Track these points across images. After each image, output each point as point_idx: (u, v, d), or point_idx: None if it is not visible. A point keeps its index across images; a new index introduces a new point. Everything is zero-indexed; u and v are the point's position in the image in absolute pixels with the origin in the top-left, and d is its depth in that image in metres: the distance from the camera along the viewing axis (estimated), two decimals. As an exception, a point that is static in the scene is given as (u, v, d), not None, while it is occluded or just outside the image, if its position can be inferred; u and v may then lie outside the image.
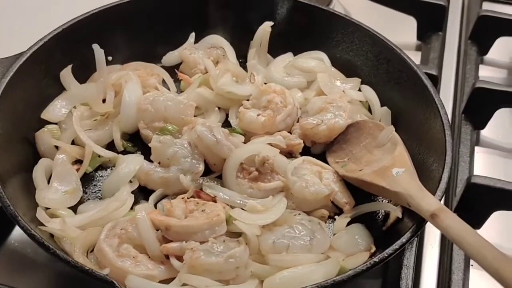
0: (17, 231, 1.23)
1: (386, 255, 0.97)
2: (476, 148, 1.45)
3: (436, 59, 1.64)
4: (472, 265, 1.21)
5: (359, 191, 1.20)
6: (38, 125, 1.23)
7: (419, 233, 1.04)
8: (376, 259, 0.97)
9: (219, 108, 1.33)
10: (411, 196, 1.02)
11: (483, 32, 1.69)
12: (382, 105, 1.33)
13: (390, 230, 1.15)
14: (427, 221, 1.01)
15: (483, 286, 1.18)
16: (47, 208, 1.12)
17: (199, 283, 0.96)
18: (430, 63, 1.61)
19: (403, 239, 1.00)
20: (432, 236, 1.26)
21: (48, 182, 1.16)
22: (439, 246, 1.25)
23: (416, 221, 1.04)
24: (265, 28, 1.41)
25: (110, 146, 1.25)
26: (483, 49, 1.70)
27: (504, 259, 0.87)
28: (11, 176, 1.09)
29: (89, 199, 1.17)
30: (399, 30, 1.66)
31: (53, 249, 0.93)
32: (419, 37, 1.73)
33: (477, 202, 1.24)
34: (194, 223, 1.04)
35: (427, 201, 1.00)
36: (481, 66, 1.68)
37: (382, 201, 1.20)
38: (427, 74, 1.29)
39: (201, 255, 0.99)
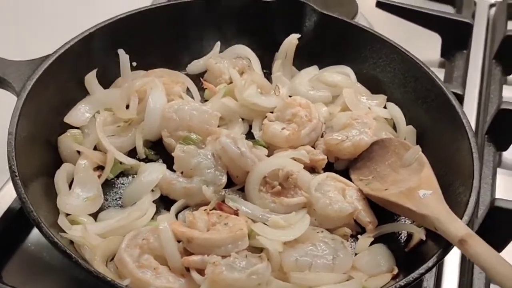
0: (33, 235, 1.22)
1: (412, 279, 0.96)
2: (498, 170, 1.44)
3: (460, 78, 1.63)
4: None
5: (381, 210, 1.18)
6: (61, 129, 1.22)
7: (444, 257, 1.02)
8: (401, 282, 0.96)
9: (242, 119, 1.31)
10: (439, 220, 1.01)
11: (508, 52, 1.68)
12: (407, 124, 1.31)
13: (412, 251, 1.14)
14: (453, 246, 1.00)
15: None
16: (67, 214, 1.10)
17: (221, 298, 0.95)
18: (454, 81, 1.60)
19: (429, 263, 0.98)
20: (452, 258, 1.25)
21: (70, 188, 1.15)
22: (459, 267, 1.23)
23: (442, 245, 1.02)
24: (292, 40, 1.40)
25: (132, 153, 1.24)
26: (508, 69, 1.68)
27: None
28: (33, 180, 1.08)
29: (109, 206, 1.16)
30: (423, 46, 1.65)
31: (76, 258, 0.92)
32: (443, 54, 1.73)
33: (500, 225, 1.23)
34: (217, 236, 1.03)
35: (455, 226, 0.99)
36: (505, 87, 1.66)
37: (405, 222, 1.18)
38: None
39: (223, 270, 0.98)
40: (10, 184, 1.23)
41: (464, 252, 0.96)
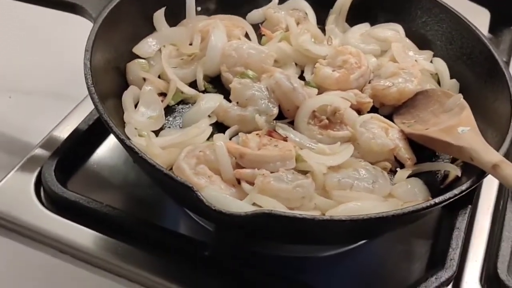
0: (96, 155, 1.34)
1: (446, 198, 1.03)
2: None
3: (506, 50, 1.69)
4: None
5: (421, 152, 1.25)
6: (128, 58, 1.33)
7: (478, 183, 1.08)
8: (436, 200, 1.03)
9: (296, 64, 1.40)
10: (475, 150, 1.08)
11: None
12: (451, 78, 1.38)
13: (448, 189, 1.20)
14: (486, 174, 1.07)
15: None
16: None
17: (267, 203, 1.04)
18: (500, 52, 1.66)
19: (463, 186, 1.05)
20: (485, 206, 1.32)
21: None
22: (491, 216, 1.30)
23: (476, 175, 1.09)
24: (347, -4, 1.49)
25: (193, 85, 1.33)
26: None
27: None
28: (104, 98, 1.18)
29: (170, 127, 1.26)
30: (472, 21, 1.70)
31: (142, 154, 1.01)
32: (491, 30, 1.79)
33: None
34: (267, 153, 1.12)
35: (490, 154, 1.06)
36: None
37: (443, 162, 1.25)
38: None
39: (271, 180, 1.07)
40: (78, 108, 1.36)
41: (497, 177, 1.03)
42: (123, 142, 1.04)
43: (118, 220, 1.18)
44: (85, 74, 1.13)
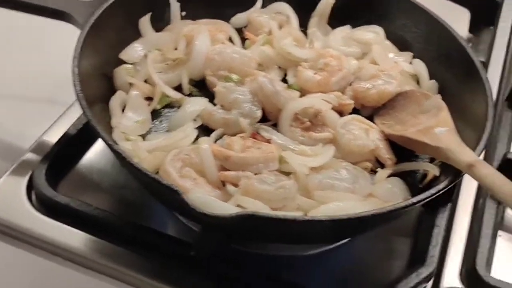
0: (85, 159, 1.37)
1: (424, 197, 1.06)
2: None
3: (485, 50, 1.73)
4: (500, 235, 1.31)
5: (400, 153, 1.29)
6: (115, 64, 1.35)
7: (454, 183, 1.12)
8: (414, 199, 1.06)
9: (279, 67, 1.44)
10: (451, 150, 1.12)
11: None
12: (430, 79, 1.42)
13: (427, 188, 1.24)
14: (463, 174, 1.11)
15: (508, 251, 1.29)
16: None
17: (251, 205, 1.07)
18: (480, 52, 1.70)
19: (440, 185, 1.09)
20: (464, 203, 1.36)
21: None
22: (470, 214, 1.34)
23: (453, 175, 1.13)
24: (328, 0, 1.52)
25: (178, 89, 1.36)
26: (532, 46, 1.78)
27: None
28: (92, 103, 1.21)
29: (156, 130, 1.30)
30: (452, 21, 1.73)
31: (129, 159, 1.05)
32: (471, 29, 1.83)
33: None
34: (251, 155, 1.15)
35: (466, 154, 1.10)
36: (528, 62, 1.76)
37: (423, 162, 1.29)
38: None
39: (255, 182, 1.10)
40: (67, 113, 1.39)
41: (473, 176, 1.07)
42: (111, 147, 1.07)
43: (107, 222, 1.22)
44: (73, 81, 1.16)
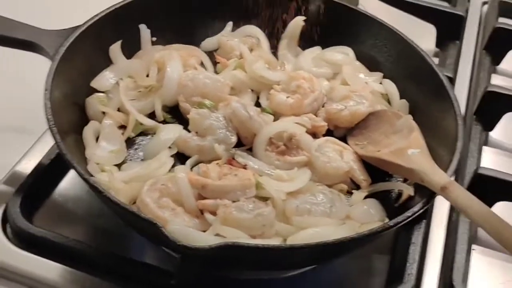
0: (60, 188, 1.36)
1: (400, 220, 1.08)
2: (484, 148, 1.57)
3: (452, 65, 1.77)
4: (474, 249, 1.33)
5: (374, 173, 1.31)
6: (87, 92, 1.35)
7: (428, 205, 1.14)
8: (391, 223, 1.08)
9: (252, 90, 1.44)
10: (425, 172, 1.14)
11: (497, 44, 1.81)
12: (400, 98, 1.44)
13: (402, 207, 1.26)
14: (437, 195, 1.13)
15: (483, 265, 1.31)
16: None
17: (230, 234, 1.08)
18: (447, 67, 1.73)
19: (415, 208, 1.11)
20: (439, 219, 1.37)
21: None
22: (445, 229, 1.36)
23: (427, 196, 1.15)
24: (298, 22, 1.54)
25: (151, 116, 1.37)
26: (497, 59, 1.82)
27: (506, 225, 0.99)
28: (64, 135, 1.20)
29: (131, 159, 1.29)
30: (419, 37, 1.76)
31: (106, 193, 1.04)
32: (438, 44, 1.86)
33: (483, 192, 1.33)
34: (228, 183, 1.16)
35: (439, 176, 1.12)
36: (493, 75, 1.80)
37: (397, 181, 1.31)
38: (442, 75, 1.40)
39: (233, 210, 1.11)
40: (39, 142, 1.38)
41: (446, 198, 1.09)
42: (87, 181, 1.06)
43: (85, 253, 1.20)
44: (45, 115, 1.15)
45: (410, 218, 1.10)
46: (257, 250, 0.99)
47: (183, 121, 1.35)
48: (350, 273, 1.30)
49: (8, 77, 1.62)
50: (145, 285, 1.18)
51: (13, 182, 1.32)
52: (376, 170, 1.31)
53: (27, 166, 1.35)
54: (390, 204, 1.28)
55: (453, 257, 1.28)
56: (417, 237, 1.29)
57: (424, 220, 1.32)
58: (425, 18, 1.87)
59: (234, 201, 1.14)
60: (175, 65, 1.39)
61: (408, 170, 1.18)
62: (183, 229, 1.05)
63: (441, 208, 1.40)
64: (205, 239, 1.05)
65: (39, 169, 1.34)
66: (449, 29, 1.85)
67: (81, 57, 1.34)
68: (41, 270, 1.19)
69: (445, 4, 2.00)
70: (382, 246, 1.33)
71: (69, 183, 1.38)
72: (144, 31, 1.44)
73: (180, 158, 1.29)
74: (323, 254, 1.11)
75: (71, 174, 1.39)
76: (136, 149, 1.32)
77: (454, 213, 1.39)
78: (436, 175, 1.13)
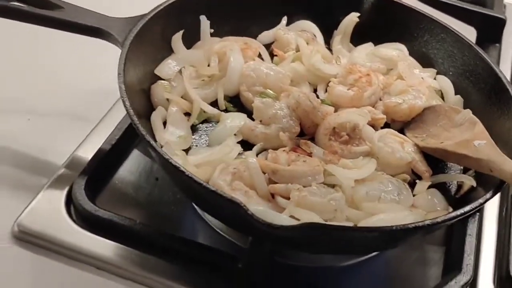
0: (119, 174, 1.38)
1: (474, 207, 1.10)
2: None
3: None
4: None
5: (433, 165, 1.33)
6: (151, 79, 1.38)
7: (498, 193, 1.17)
8: (462, 210, 1.10)
9: (308, 83, 1.47)
10: (494, 161, 1.16)
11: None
12: (455, 94, 1.47)
13: (463, 199, 1.29)
14: (506, 184, 1.15)
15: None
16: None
17: (305, 216, 1.09)
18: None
19: (487, 195, 1.13)
20: (490, 212, 1.40)
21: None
22: (496, 222, 1.39)
23: (493, 185, 1.18)
24: (352, 18, 1.57)
25: (213, 105, 1.39)
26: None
27: None
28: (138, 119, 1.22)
29: (197, 145, 1.31)
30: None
31: (189, 173, 1.06)
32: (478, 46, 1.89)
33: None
34: (298, 168, 1.18)
35: (508, 165, 1.14)
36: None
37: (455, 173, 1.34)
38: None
39: (307, 194, 1.13)
40: (96, 129, 1.40)
41: (517, 185, 1.12)
42: (168, 161, 1.08)
43: (151, 236, 1.22)
44: (121, 97, 1.17)
45: (482, 205, 1.12)
46: (346, 230, 1.02)
47: (244, 111, 1.37)
48: (406, 263, 1.33)
49: (64, 64, 1.64)
50: (212, 269, 1.19)
51: (75, 166, 1.34)
52: (433, 162, 1.33)
53: (88, 151, 1.37)
54: (448, 195, 1.30)
55: (508, 247, 1.31)
56: (472, 228, 1.31)
57: (478, 213, 1.34)
58: (465, 20, 1.89)
59: (304, 186, 1.16)
60: (237, 55, 1.41)
61: (475, 160, 1.20)
62: (263, 209, 1.08)
63: (492, 201, 1.42)
64: (283, 219, 1.07)
65: (100, 154, 1.36)
66: (490, 32, 1.88)
67: (147, 44, 1.36)
68: (105, 250, 1.21)
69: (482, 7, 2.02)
70: (437, 237, 1.36)
71: (127, 170, 1.40)
72: (205, 22, 1.46)
73: (243, 145, 1.30)
74: (395, 239, 1.14)
75: (129, 162, 1.41)
76: (200, 135, 1.34)
77: (504, 205, 1.42)
78: (505, 165, 1.15)
